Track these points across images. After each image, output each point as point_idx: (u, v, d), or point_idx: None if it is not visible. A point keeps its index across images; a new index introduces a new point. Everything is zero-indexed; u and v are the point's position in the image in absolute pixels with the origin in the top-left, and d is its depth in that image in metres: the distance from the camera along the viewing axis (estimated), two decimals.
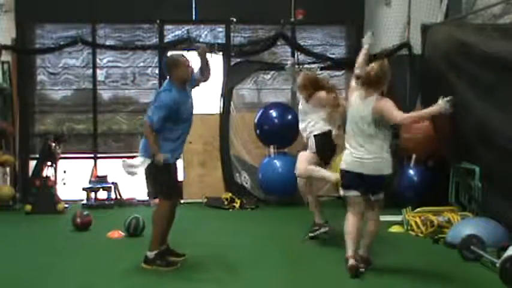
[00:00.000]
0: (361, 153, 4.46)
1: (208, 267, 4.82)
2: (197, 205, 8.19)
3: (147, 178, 4.79)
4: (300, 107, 5.93)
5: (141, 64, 9.03)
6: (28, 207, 7.59)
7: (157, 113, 4.57)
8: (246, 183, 8.53)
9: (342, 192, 4.75)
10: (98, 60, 8.92)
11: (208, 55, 4.85)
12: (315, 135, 5.74)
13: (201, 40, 8.91)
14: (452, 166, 6.66)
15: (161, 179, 4.70)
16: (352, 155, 4.51)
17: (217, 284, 4.40)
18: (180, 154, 4.91)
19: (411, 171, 7.43)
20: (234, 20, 8.81)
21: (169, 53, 5.78)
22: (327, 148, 5.73)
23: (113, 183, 8.32)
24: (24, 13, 8.56)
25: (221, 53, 8.75)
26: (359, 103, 4.53)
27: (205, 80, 4.94)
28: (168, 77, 4.79)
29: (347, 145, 4.60)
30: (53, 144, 7.82)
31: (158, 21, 8.84)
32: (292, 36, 8.90)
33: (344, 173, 4.61)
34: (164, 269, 4.65)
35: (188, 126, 4.83)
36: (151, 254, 4.72)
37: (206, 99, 8.77)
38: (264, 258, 5.18)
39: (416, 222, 6.05)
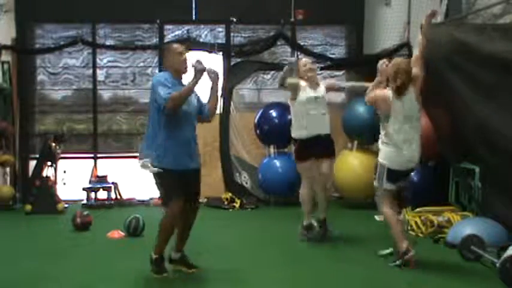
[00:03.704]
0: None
1: (208, 267, 4.81)
2: None
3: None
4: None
5: (141, 64, 9.03)
6: (28, 207, 7.59)
7: (162, 90, 4.26)
8: (246, 183, 8.53)
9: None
10: (98, 60, 8.93)
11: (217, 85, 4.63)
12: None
13: (201, 40, 8.92)
14: (452, 166, 6.65)
15: (162, 182, 4.41)
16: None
17: (216, 284, 4.41)
18: (186, 164, 4.43)
19: None
20: (234, 20, 8.81)
21: None
22: None
23: (113, 183, 8.32)
24: (24, 13, 8.56)
25: (221, 53, 8.75)
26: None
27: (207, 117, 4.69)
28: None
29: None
30: (53, 144, 7.82)
31: (158, 21, 8.84)
32: (292, 36, 8.90)
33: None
34: (154, 275, 4.46)
35: (190, 130, 4.50)
36: (153, 256, 4.50)
37: (206, 99, 8.80)
38: (264, 258, 5.19)
39: (416, 222, 6.05)
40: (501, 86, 5.51)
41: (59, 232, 6.38)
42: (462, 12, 6.85)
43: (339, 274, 4.63)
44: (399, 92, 4.68)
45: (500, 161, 5.59)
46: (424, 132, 6.91)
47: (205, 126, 5.09)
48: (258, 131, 8.30)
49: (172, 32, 9.02)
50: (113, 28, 8.94)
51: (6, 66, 8.39)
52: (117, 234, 6.08)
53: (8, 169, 8.43)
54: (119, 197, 8.33)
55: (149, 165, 4.35)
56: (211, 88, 4.66)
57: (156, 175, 4.39)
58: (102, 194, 8.28)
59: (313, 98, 5.72)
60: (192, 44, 8.63)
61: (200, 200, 4.77)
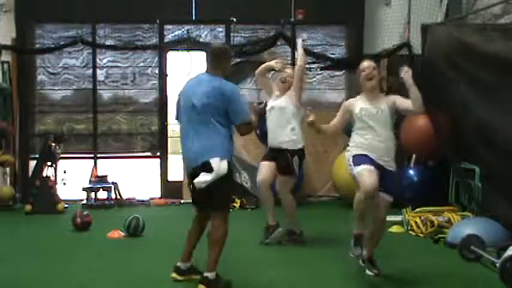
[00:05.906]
0: None
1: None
2: None
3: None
4: (281, 104, 5.72)
5: (141, 64, 9.02)
6: (28, 207, 7.59)
7: (246, 106, 4.15)
8: (246, 183, 8.53)
9: None
10: (98, 60, 8.92)
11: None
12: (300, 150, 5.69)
13: (201, 40, 8.91)
14: (452, 166, 6.66)
15: (226, 187, 4.13)
16: None
17: None
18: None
19: (411, 171, 7.43)
20: (234, 20, 8.81)
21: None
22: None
23: (113, 183, 8.32)
24: (24, 13, 8.55)
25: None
26: None
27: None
28: (212, 69, 4.18)
29: None
30: (53, 144, 7.82)
31: (158, 21, 8.84)
32: (292, 36, 8.90)
33: None
34: None
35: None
36: (212, 275, 4.13)
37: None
38: (264, 258, 5.19)
39: (416, 222, 6.06)
40: (501, 86, 5.52)
41: (59, 232, 6.38)
42: (462, 12, 6.87)
43: (338, 274, 4.63)
44: None
45: (500, 161, 5.60)
46: (424, 132, 6.97)
47: None
48: (258, 131, 8.28)
49: (172, 32, 9.01)
50: (113, 28, 8.93)
51: (6, 66, 8.40)
52: (117, 234, 6.08)
53: (8, 169, 8.43)
54: (119, 197, 8.33)
55: None
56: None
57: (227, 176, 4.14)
58: (102, 194, 8.28)
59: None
60: (192, 44, 8.67)
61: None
